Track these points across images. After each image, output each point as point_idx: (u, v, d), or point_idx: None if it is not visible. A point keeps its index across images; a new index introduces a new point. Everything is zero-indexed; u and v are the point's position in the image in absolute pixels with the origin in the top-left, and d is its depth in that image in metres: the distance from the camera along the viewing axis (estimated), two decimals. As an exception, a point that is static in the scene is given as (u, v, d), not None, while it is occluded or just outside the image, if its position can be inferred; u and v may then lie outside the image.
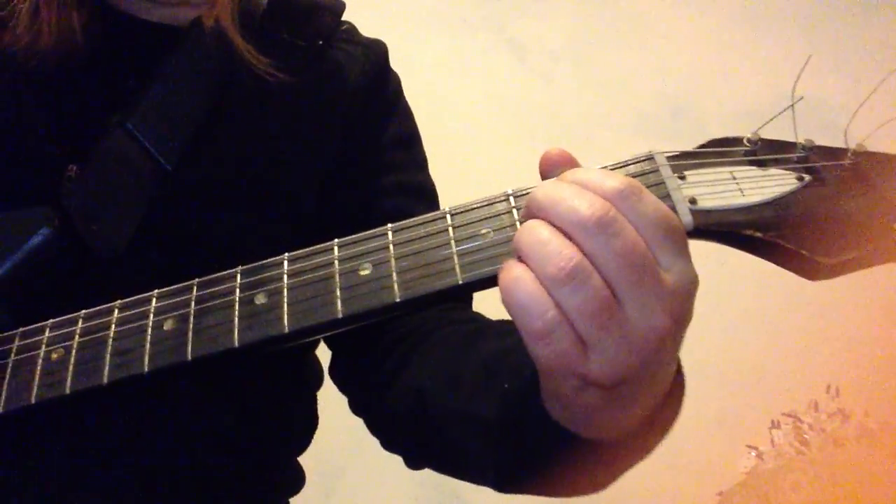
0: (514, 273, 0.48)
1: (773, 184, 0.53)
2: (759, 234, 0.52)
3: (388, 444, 0.84)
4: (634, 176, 0.54)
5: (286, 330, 0.58)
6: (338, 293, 0.57)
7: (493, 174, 2.20)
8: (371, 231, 0.58)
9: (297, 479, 0.92)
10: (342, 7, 0.91)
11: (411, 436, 0.79)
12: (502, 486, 0.66)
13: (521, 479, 0.64)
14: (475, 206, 0.57)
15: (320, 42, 0.87)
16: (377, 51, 0.92)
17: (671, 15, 2.35)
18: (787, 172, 0.54)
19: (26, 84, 0.76)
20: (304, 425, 0.92)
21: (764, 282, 1.68)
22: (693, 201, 0.53)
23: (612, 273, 0.47)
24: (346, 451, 1.86)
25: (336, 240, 0.59)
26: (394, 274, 0.56)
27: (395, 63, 0.95)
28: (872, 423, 1.77)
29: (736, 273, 1.43)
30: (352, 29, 0.93)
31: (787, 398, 1.87)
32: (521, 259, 0.49)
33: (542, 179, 0.54)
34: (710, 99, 2.26)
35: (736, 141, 0.56)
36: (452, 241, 0.56)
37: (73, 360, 0.63)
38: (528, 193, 0.54)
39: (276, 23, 0.85)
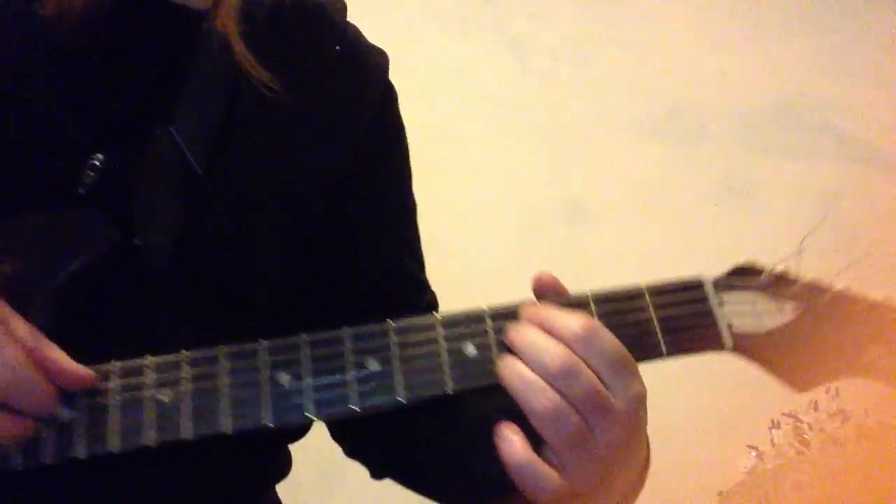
0: (514, 442, 0.60)
1: (781, 315, 0.67)
2: (771, 356, 0.66)
3: (352, 454, 0.89)
4: (684, 303, 0.66)
5: (403, 400, 0.64)
6: (447, 370, 0.64)
7: (493, 174, 2.20)
8: (471, 311, 0.66)
9: (284, 465, 0.91)
10: (343, 8, 0.90)
11: (394, 462, 0.86)
12: None
13: None
14: None
15: (325, 47, 0.86)
16: (382, 65, 0.91)
17: (671, 15, 2.35)
18: (789, 303, 0.67)
19: (50, 59, 0.74)
20: None
21: (764, 282, 1.67)
22: (730, 326, 0.66)
23: (578, 407, 0.59)
24: (346, 452, 1.86)
25: (437, 314, 0.66)
26: (494, 358, 0.64)
27: (395, 63, 0.94)
28: (872, 423, 1.77)
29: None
30: (357, 35, 0.91)
31: (787, 398, 1.86)
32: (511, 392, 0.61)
33: (536, 298, 0.66)
34: (710, 99, 2.26)
35: (756, 271, 0.69)
36: None
37: (188, 406, 0.64)
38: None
39: (277, 25, 0.84)
